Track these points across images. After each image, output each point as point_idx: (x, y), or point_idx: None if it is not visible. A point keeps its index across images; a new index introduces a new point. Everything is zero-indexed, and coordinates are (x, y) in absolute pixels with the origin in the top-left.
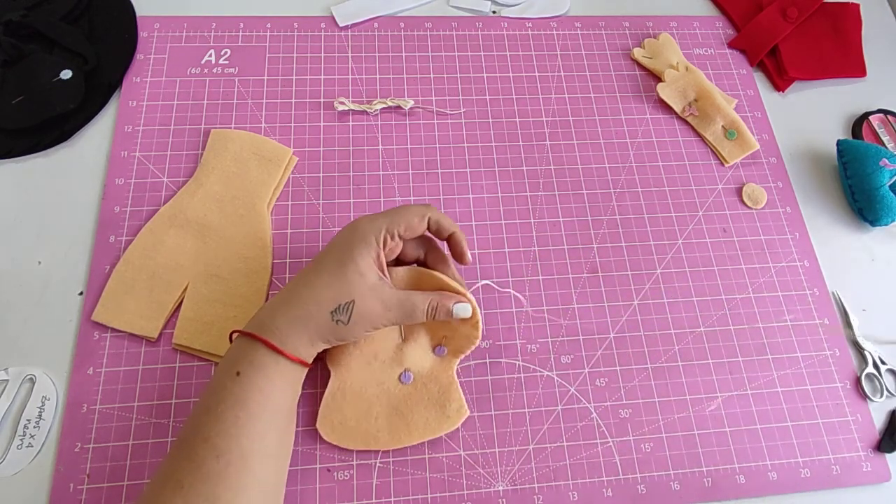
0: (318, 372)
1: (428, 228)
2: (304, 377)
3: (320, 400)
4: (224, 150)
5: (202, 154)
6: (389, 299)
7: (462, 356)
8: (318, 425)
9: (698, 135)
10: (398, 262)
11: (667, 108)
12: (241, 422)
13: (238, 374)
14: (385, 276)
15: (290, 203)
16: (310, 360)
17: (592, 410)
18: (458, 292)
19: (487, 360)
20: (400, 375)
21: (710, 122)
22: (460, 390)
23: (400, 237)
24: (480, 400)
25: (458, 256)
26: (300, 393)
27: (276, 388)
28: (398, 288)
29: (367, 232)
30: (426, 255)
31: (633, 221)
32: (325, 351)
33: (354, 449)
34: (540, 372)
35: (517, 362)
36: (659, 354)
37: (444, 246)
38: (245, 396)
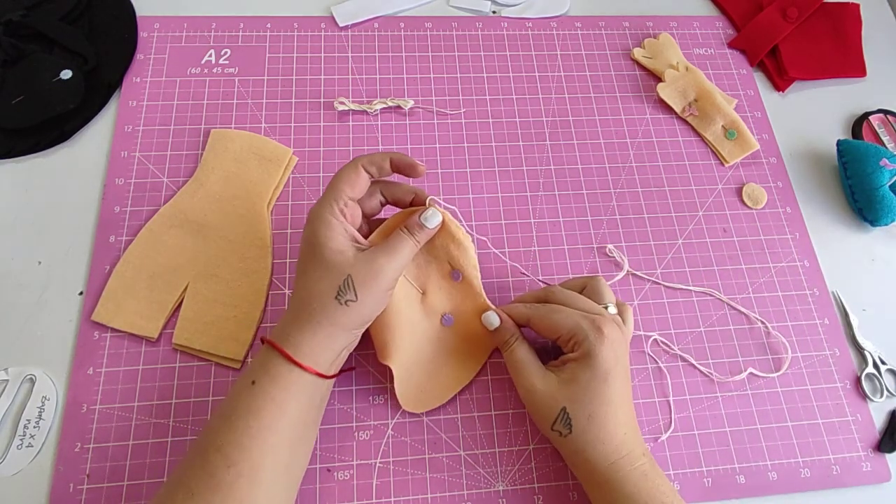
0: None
1: (371, 175)
2: (326, 389)
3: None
4: (224, 150)
5: (202, 154)
6: (376, 255)
7: (474, 263)
8: (405, 407)
9: (698, 135)
10: (371, 222)
11: (667, 108)
12: (252, 432)
13: (253, 383)
14: (362, 243)
15: (290, 203)
16: (331, 364)
17: None
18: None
19: (488, 360)
20: (441, 322)
21: (710, 122)
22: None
23: (352, 199)
24: (481, 400)
25: (410, 171)
26: (324, 405)
27: (292, 400)
28: None
29: (323, 214)
30: (383, 193)
31: (633, 221)
32: (374, 352)
33: (447, 400)
34: None
35: None
36: (659, 354)
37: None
38: (258, 406)
